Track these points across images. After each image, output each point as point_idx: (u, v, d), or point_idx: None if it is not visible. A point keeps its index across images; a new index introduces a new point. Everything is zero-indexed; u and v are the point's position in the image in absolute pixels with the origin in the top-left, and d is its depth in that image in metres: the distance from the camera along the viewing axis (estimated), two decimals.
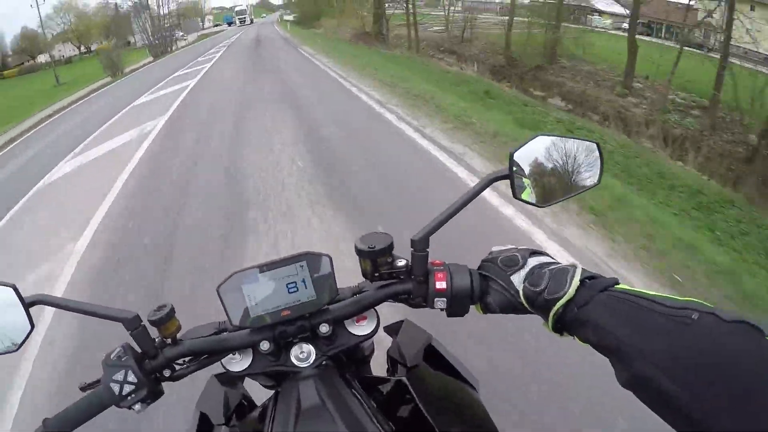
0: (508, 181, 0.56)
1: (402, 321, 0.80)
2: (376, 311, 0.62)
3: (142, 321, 0.56)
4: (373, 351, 0.74)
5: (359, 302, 0.60)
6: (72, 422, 0.56)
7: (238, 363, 0.60)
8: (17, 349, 0.56)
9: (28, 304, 0.55)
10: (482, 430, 0.61)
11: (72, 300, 0.57)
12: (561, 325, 0.47)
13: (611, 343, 0.41)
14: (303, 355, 0.59)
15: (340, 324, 0.60)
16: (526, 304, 0.51)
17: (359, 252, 0.57)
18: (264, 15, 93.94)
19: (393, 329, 0.80)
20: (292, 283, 0.55)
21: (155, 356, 0.57)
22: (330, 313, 0.59)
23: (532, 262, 0.52)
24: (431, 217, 0.56)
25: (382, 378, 0.71)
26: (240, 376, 0.65)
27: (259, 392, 0.74)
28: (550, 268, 0.50)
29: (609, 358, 0.42)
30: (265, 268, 0.55)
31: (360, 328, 0.61)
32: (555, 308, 0.46)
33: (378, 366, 0.82)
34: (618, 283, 0.45)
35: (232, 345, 0.59)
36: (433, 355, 0.71)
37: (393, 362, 0.75)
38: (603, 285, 0.45)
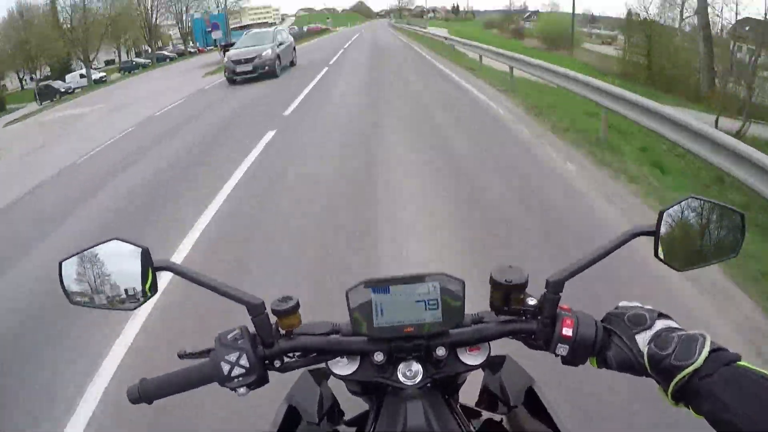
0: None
1: (504, 356, 0.76)
2: (489, 344, 0.61)
3: (266, 309, 0.57)
4: (465, 379, 0.73)
5: (481, 332, 0.59)
6: (169, 389, 0.57)
7: (344, 367, 0.60)
8: (134, 309, 0.57)
9: (155, 268, 0.56)
10: None
11: (201, 274, 0.57)
12: (680, 395, 0.46)
13: (731, 420, 0.41)
14: (410, 373, 0.59)
15: (453, 350, 0.60)
16: (647, 366, 0.50)
17: (495, 284, 0.56)
18: (346, 25, 57.42)
19: (494, 362, 0.76)
20: (421, 301, 0.55)
21: (271, 345, 0.58)
22: (449, 338, 0.58)
23: (660, 324, 0.52)
24: None
25: (477, 411, 0.70)
26: (326, 376, 0.64)
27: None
28: (679, 333, 0.49)
29: None
30: (399, 281, 0.55)
31: (471, 358, 0.60)
32: (680, 375, 0.45)
33: (463, 396, 0.77)
34: (740, 359, 0.45)
35: (346, 349, 0.59)
36: (532, 400, 0.68)
37: (490, 397, 0.73)
38: (728, 359, 0.45)
